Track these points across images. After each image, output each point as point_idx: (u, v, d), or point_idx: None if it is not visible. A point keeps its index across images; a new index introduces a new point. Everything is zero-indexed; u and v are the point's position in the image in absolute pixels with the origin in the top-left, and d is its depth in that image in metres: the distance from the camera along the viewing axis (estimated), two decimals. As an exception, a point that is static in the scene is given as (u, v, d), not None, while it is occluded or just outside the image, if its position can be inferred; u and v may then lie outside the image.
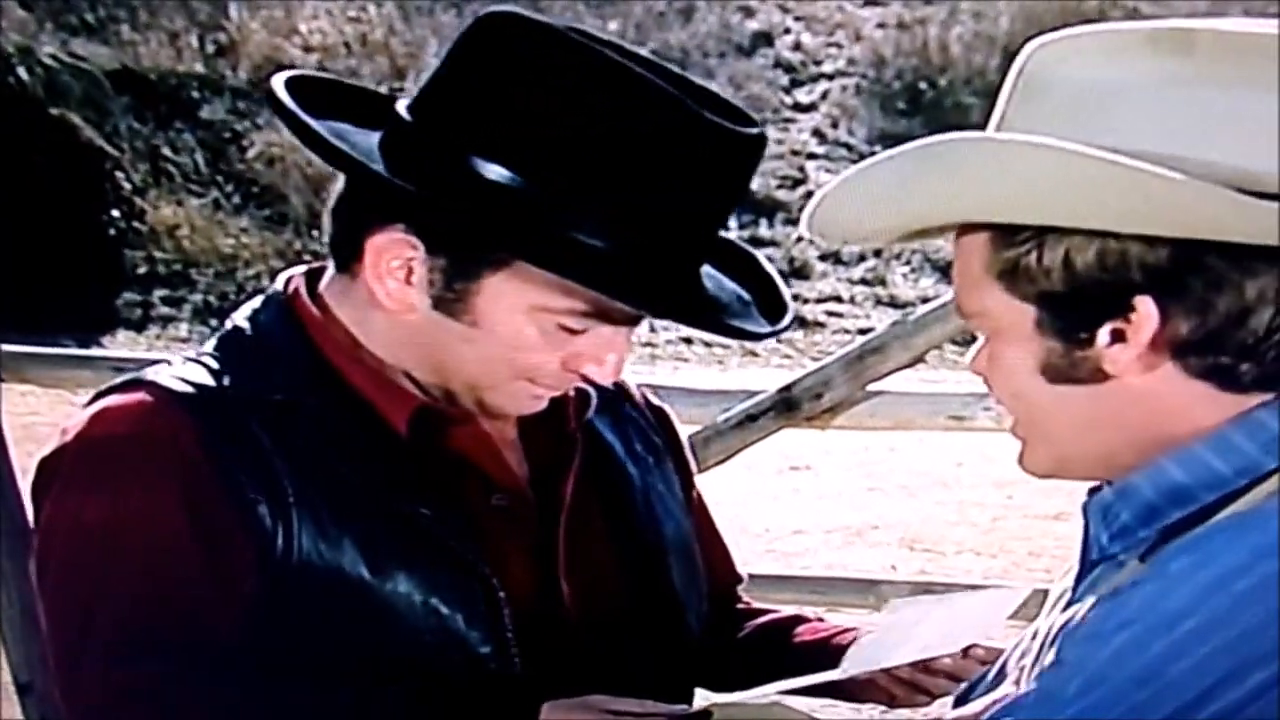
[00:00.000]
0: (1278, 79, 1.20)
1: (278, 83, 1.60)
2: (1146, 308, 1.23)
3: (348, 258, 1.60)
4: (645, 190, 1.50)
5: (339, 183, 1.61)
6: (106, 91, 16.39)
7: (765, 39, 20.73)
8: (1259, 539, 1.17)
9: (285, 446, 1.54)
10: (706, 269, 1.64)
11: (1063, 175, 1.21)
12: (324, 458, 1.56)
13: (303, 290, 1.66)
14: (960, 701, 1.50)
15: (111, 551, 1.51)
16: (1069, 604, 1.33)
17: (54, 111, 15.31)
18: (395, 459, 1.59)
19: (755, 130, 1.55)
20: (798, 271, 17.39)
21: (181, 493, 1.52)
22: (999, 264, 1.28)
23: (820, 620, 1.90)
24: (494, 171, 1.49)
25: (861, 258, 17.62)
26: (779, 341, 16.00)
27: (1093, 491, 1.36)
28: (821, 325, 16.40)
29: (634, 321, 1.58)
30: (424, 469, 1.60)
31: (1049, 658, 1.23)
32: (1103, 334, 1.25)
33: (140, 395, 1.57)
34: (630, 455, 1.78)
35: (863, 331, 11.85)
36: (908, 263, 17.51)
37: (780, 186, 18.57)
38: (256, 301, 1.68)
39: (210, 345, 1.65)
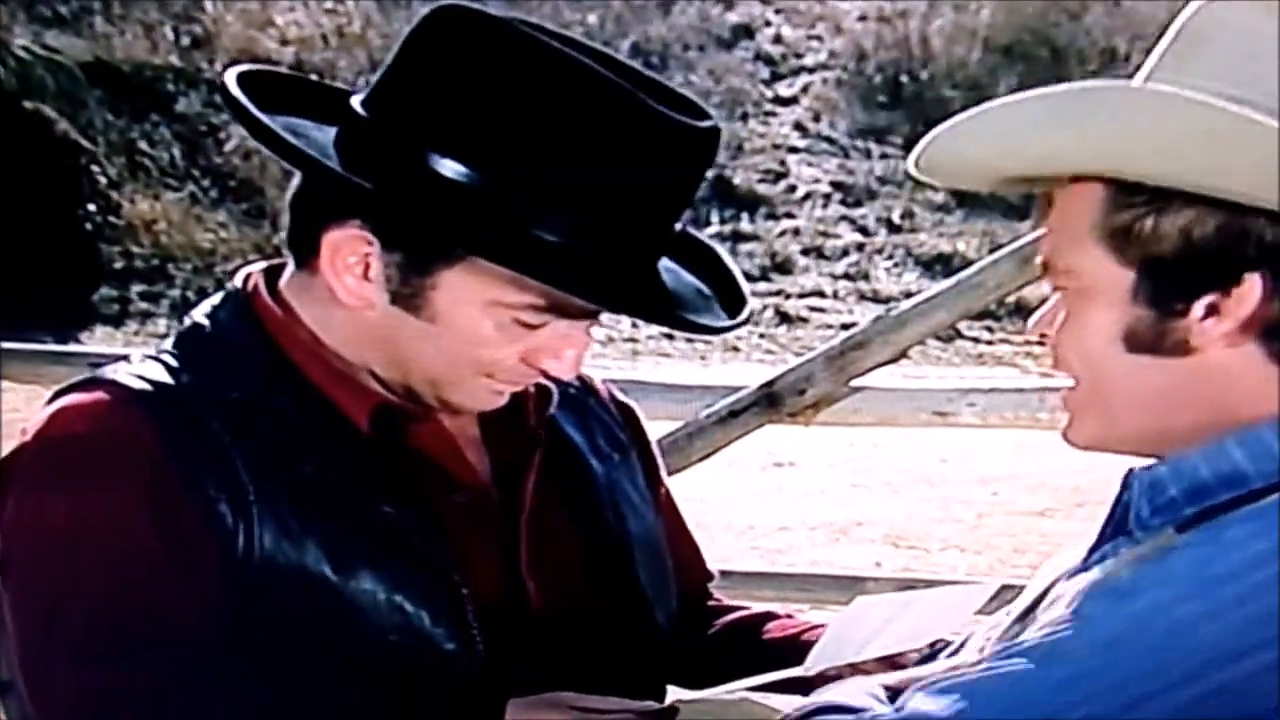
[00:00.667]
0: None
1: (230, 78, 1.59)
2: (1252, 284, 1.23)
3: (305, 254, 1.59)
4: (600, 185, 1.50)
5: (296, 178, 1.61)
6: (81, 84, 16.38)
7: (745, 32, 20.77)
8: None
9: (245, 444, 1.53)
10: (666, 263, 1.63)
11: (1209, 133, 1.19)
12: (285, 456, 1.55)
13: (262, 287, 1.65)
14: (924, 664, 1.52)
15: (74, 552, 1.50)
16: (1075, 574, 1.33)
17: (28, 105, 15.29)
18: (357, 456, 1.58)
19: (709, 124, 1.54)
20: (780, 266, 17.42)
21: (143, 492, 1.50)
22: (1110, 224, 1.27)
23: (790, 617, 1.90)
24: (449, 168, 1.49)
25: (844, 252, 17.65)
26: (761, 337, 16.03)
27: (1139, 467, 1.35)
28: (804, 320, 16.42)
29: (592, 316, 1.57)
30: (386, 466, 1.59)
31: (1059, 612, 1.22)
32: (1199, 306, 1.26)
33: (99, 394, 1.56)
34: (594, 451, 1.78)
35: (846, 327, 11.86)
36: (890, 257, 17.55)
37: (762, 181, 18.60)
38: (216, 298, 1.67)
39: (169, 343, 1.64)
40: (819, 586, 4.84)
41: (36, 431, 1.55)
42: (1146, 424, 1.30)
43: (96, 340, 13.90)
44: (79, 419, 1.54)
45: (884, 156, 18.84)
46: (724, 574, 4.37)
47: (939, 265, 16.80)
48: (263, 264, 1.68)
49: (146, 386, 1.55)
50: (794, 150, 19.20)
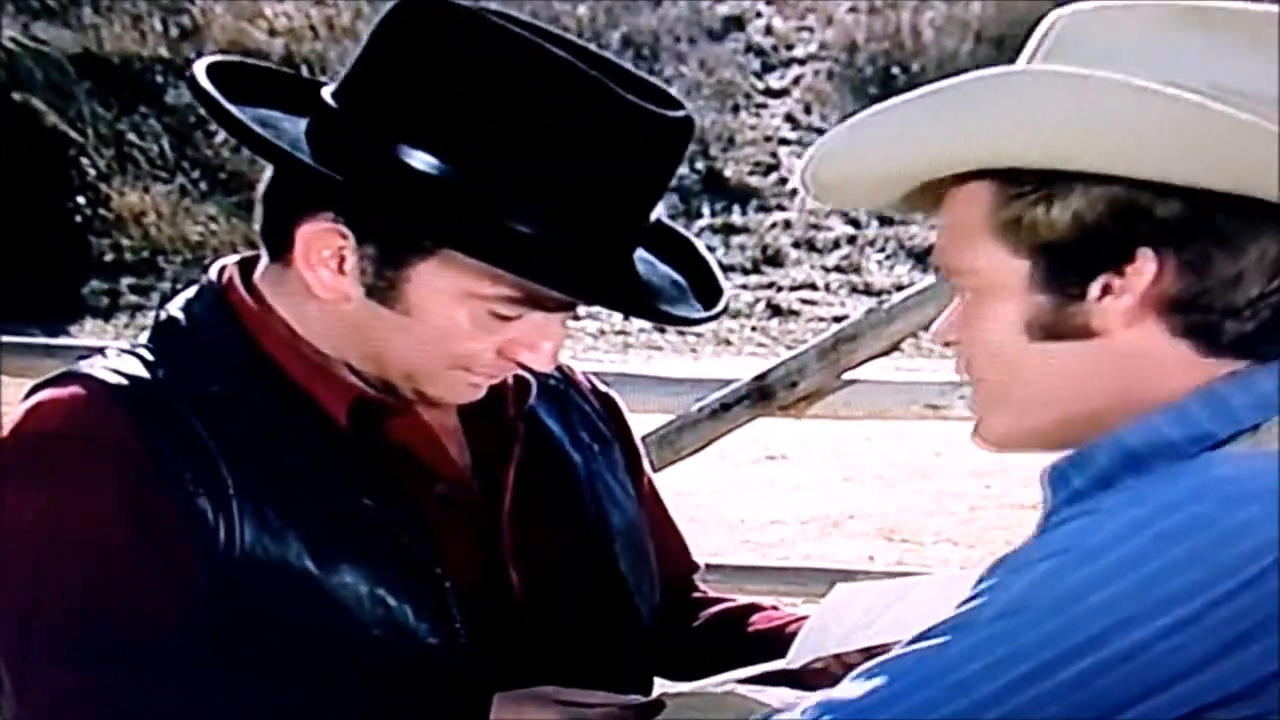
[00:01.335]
0: None
1: (199, 69, 1.59)
2: (1145, 260, 1.23)
3: (278, 247, 1.58)
4: (573, 177, 1.50)
5: (268, 171, 1.60)
6: (69, 76, 16.36)
7: (736, 23, 20.79)
8: (1192, 482, 1.18)
9: (224, 439, 1.52)
10: (642, 254, 1.63)
11: (1089, 109, 1.20)
12: (264, 450, 1.54)
13: (237, 280, 1.63)
14: None
15: (51, 549, 1.49)
16: None
17: (16, 97, 15.27)
18: (336, 450, 1.57)
19: (682, 114, 1.54)
20: (771, 259, 17.45)
21: (120, 488, 1.50)
22: (1001, 217, 1.27)
23: (775, 609, 1.90)
24: (421, 160, 1.49)
25: (836, 245, 17.67)
26: (753, 330, 16.04)
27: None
28: (796, 313, 16.45)
29: (568, 308, 1.57)
30: (365, 460, 1.59)
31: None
32: (1095, 287, 1.25)
33: (75, 389, 1.54)
34: (575, 443, 1.77)
35: (837, 319, 11.85)
36: (882, 249, 17.57)
37: (753, 173, 18.62)
38: (190, 292, 1.66)
39: (145, 337, 1.63)
40: (811, 580, 4.84)
41: (13, 428, 1.54)
42: (1057, 412, 1.30)
43: (86, 333, 13.91)
44: (55, 414, 1.53)
45: (875, 148, 18.86)
46: (716, 567, 4.35)
47: (931, 257, 16.82)
48: (236, 257, 1.68)
49: (123, 381, 1.54)
50: (785, 142, 19.21)
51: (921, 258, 17.18)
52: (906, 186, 1.34)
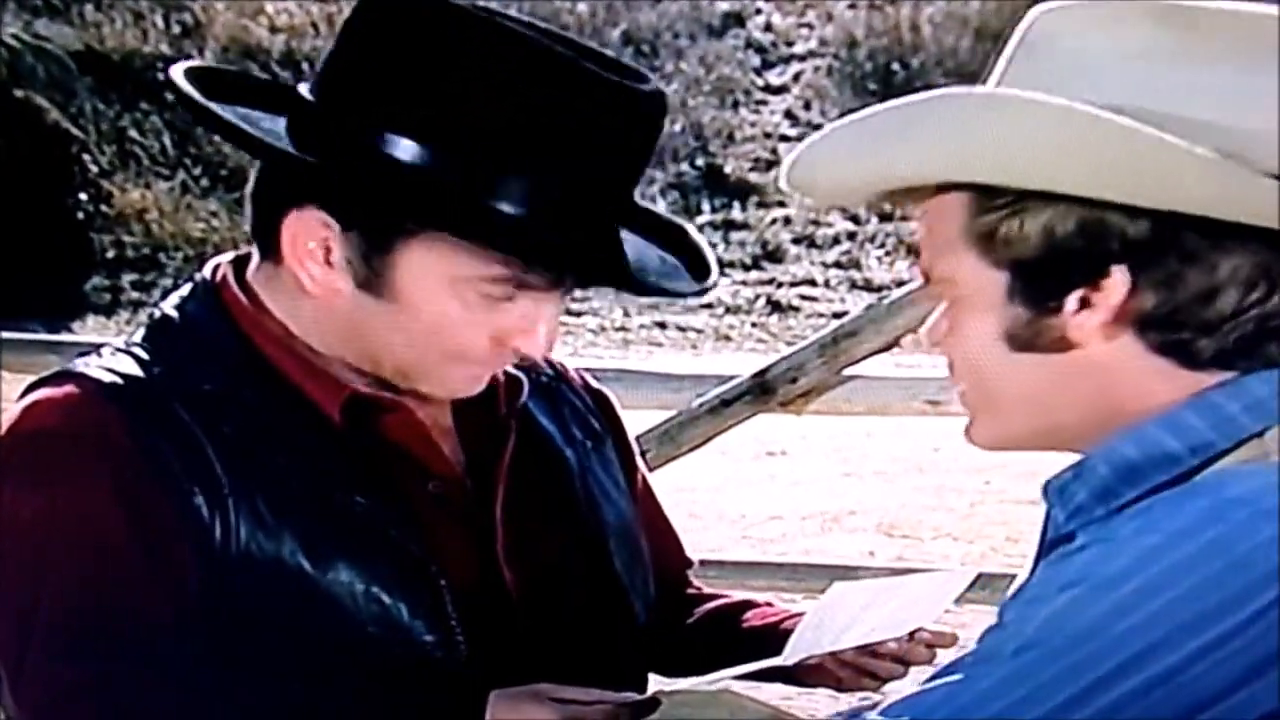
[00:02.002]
0: (1278, 60, 1.21)
1: (177, 71, 1.60)
2: (1119, 277, 1.23)
3: (268, 244, 1.59)
4: (551, 154, 1.50)
5: (253, 170, 1.62)
6: (71, 73, 16.33)
7: (736, 20, 20.75)
8: (1205, 504, 1.18)
9: (218, 437, 1.53)
10: (633, 238, 1.64)
11: (1056, 133, 1.21)
12: (258, 448, 1.55)
13: (230, 278, 1.64)
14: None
15: (47, 547, 1.50)
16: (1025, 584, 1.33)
17: (18, 94, 15.24)
18: (330, 448, 1.58)
19: (652, 87, 1.56)
20: (771, 255, 17.42)
21: (115, 486, 1.50)
22: (976, 229, 1.28)
23: (770, 605, 1.90)
24: (400, 146, 1.50)
25: (835, 241, 17.65)
26: (753, 326, 16.03)
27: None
28: (795, 309, 16.43)
29: (556, 288, 1.57)
30: (359, 457, 1.59)
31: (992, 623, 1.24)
32: (1071, 301, 1.26)
33: (69, 388, 1.55)
34: (567, 440, 1.77)
35: (837, 315, 11.87)
36: (882, 245, 17.55)
37: (753, 169, 18.59)
38: (184, 290, 1.67)
39: (139, 335, 1.63)
40: (811, 576, 4.83)
41: (9, 427, 1.55)
42: (1037, 422, 1.31)
43: (88, 330, 13.88)
44: (50, 413, 1.54)
45: (875, 145, 18.84)
46: (716, 563, 4.37)
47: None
48: (230, 255, 1.68)
49: (117, 380, 1.55)
50: (785, 138, 19.16)
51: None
52: (882, 192, 1.34)
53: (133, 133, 16.57)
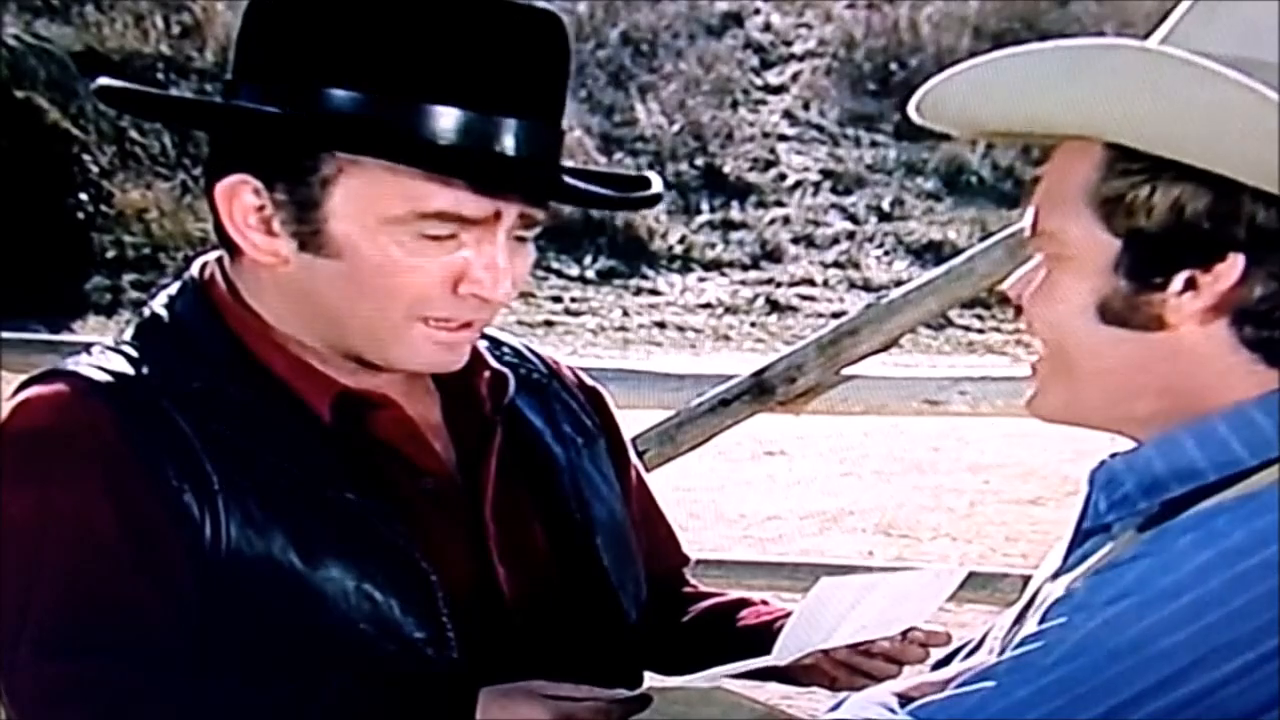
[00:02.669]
0: None
1: (103, 80, 1.63)
2: (1234, 263, 1.21)
3: (222, 235, 1.60)
4: (459, 77, 1.50)
5: None
6: (72, 73, 16.31)
7: (735, 20, 20.76)
8: (1264, 522, 1.17)
9: (208, 435, 1.53)
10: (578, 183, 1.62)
11: (1217, 107, 1.17)
12: (248, 446, 1.55)
13: (218, 275, 1.65)
14: (939, 668, 1.51)
15: (37, 545, 1.50)
16: (1058, 574, 1.32)
17: (19, 94, 15.23)
18: (319, 445, 1.58)
19: (547, 8, 1.55)
20: (770, 254, 17.42)
21: (105, 485, 1.50)
22: (1103, 191, 1.25)
23: (765, 603, 1.90)
24: (320, 93, 1.51)
25: (834, 241, 17.65)
26: (752, 325, 16.03)
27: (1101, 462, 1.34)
28: (794, 309, 16.43)
29: (496, 222, 1.54)
30: (349, 455, 1.59)
31: (1031, 626, 1.22)
32: (1177, 280, 1.24)
33: (59, 386, 1.55)
34: (557, 437, 1.77)
35: (836, 315, 11.86)
36: (881, 245, 17.55)
37: (751, 169, 18.59)
38: (173, 288, 1.67)
39: (129, 333, 1.64)
40: (810, 575, 4.75)
41: (1, 425, 1.56)
42: (1109, 398, 1.29)
43: (89, 329, 13.87)
44: (40, 412, 1.54)
45: (873, 144, 18.85)
46: (714, 563, 4.36)
47: (929, 253, 16.80)
48: (218, 253, 1.68)
49: (108, 378, 1.55)
50: (784, 138, 19.19)
51: (920, 254, 17.17)
52: (1018, 131, 1.31)
53: (133, 133, 16.55)
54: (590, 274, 16.80)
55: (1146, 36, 1.30)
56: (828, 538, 8.12)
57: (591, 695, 1.52)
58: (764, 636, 1.72)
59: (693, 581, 1.98)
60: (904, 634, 1.70)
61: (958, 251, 6.72)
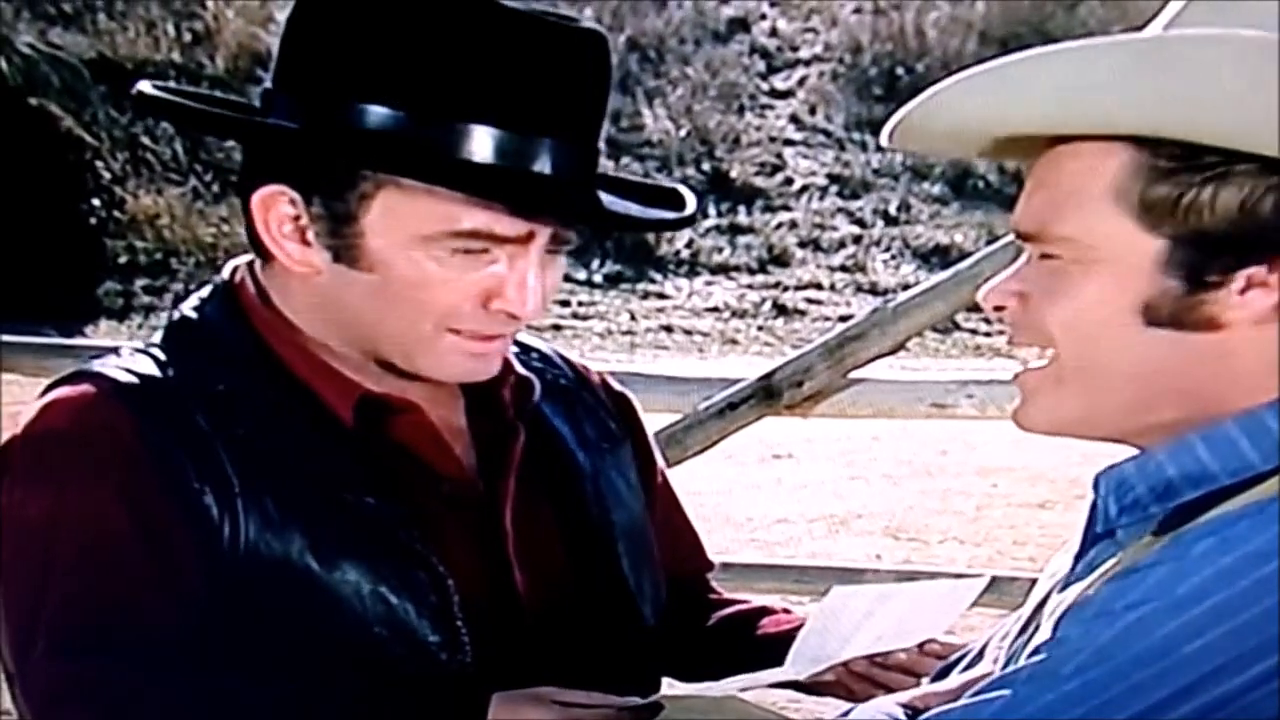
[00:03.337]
0: None
1: (145, 85, 1.63)
2: None
3: (255, 242, 1.61)
4: (502, 96, 1.50)
5: None
6: (84, 81, 16.35)
7: (741, 25, 20.76)
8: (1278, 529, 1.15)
9: (229, 437, 1.54)
10: (612, 198, 1.62)
11: (1270, 92, 1.11)
12: (269, 448, 1.56)
13: (247, 279, 1.66)
14: (939, 679, 1.49)
15: (52, 546, 1.51)
16: (1067, 583, 1.30)
17: (32, 101, 15.27)
18: (339, 448, 1.59)
19: (591, 27, 1.55)
20: (777, 259, 17.42)
21: (120, 487, 1.51)
22: (1146, 194, 1.19)
23: (787, 612, 1.89)
24: (355, 110, 1.51)
25: (841, 245, 17.65)
26: (759, 329, 16.03)
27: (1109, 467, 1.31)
28: (801, 313, 16.42)
29: (530, 241, 1.55)
30: (370, 458, 1.60)
31: (1046, 635, 1.21)
32: (1239, 279, 1.18)
33: (84, 387, 1.57)
34: (580, 442, 1.77)
35: (843, 319, 11.86)
36: (887, 249, 17.54)
37: (758, 174, 18.60)
38: (204, 291, 1.69)
39: (158, 336, 1.66)
40: (817, 579, 4.80)
41: (25, 425, 1.58)
42: (1131, 406, 1.24)
43: (101, 334, 13.89)
44: (62, 414, 1.56)
45: (880, 149, 18.83)
46: (722, 566, 4.36)
47: (936, 257, 16.80)
48: (248, 257, 1.69)
49: (132, 380, 1.56)
50: (790, 143, 19.19)
51: (926, 257, 17.16)
52: (989, 141, 1.25)
53: (145, 139, 16.58)
54: (597, 278, 16.81)
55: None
56: (835, 541, 8.12)
57: (602, 702, 1.51)
58: (783, 646, 1.71)
59: (717, 588, 1.98)
60: (921, 646, 1.68)
61: (964, 255, 6.73)
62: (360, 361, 1.61)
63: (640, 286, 16.88)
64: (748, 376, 4.31)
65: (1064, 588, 1.29)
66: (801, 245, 17.65)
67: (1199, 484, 1.22)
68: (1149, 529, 1.24)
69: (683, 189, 1.71)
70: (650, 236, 17.23)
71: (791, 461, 9.88)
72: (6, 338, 4.55)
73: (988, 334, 15.13)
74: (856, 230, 17.86)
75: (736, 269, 17.24)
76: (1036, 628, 1.29)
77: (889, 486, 9.43)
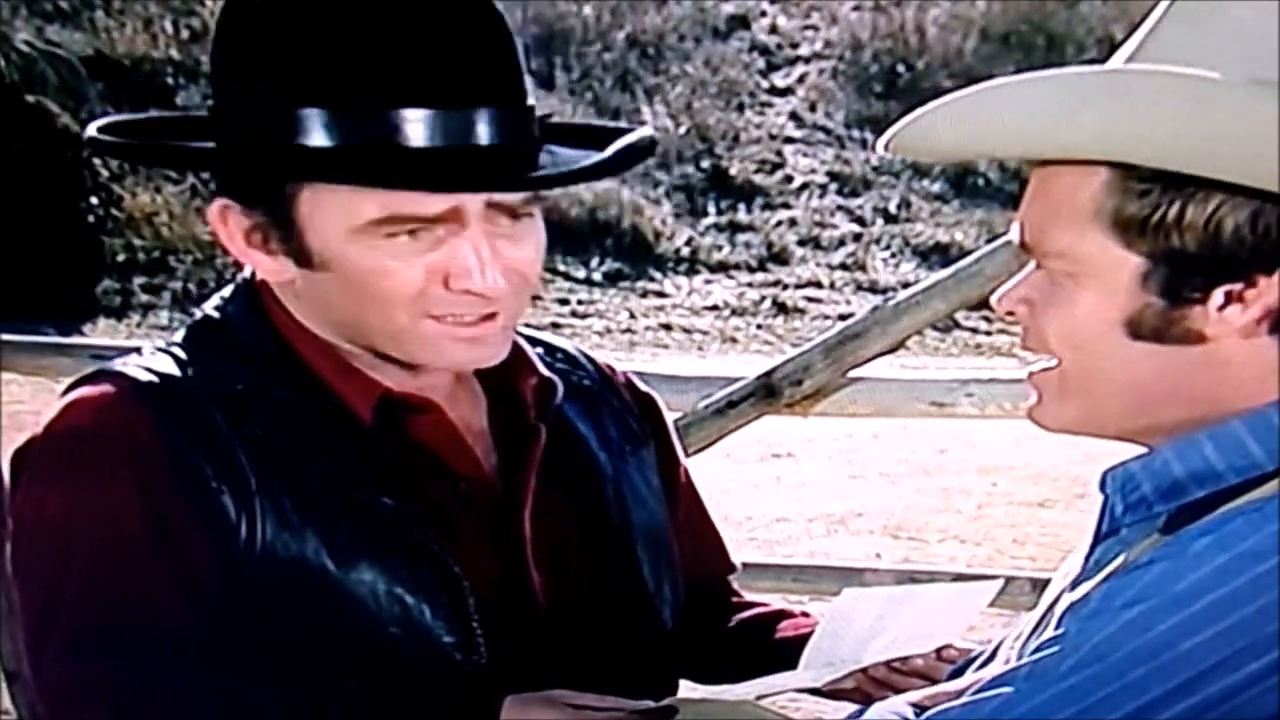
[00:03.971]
0: None
1: (92, 129, 1.63)
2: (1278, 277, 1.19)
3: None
4: (416, 80, 1.49)
5: None
6: (82, 78, 16.36)
7: (741, 22, 20.77)
8: (1276, 528, 1.15)
9: (247, 436, 1.54)
10: (562, 150, 1.59)
11: (1241, 120, 1.14)
12: (287, 447, 1.56)
13: None
14: (953, 679, 1.49)
15: (69, 545, 1.52)
16: (1076, 582, 1.30)
17: (29, 98, 15.27)
18: (358, 448, 1.58)
19: None
20: (776, 257, 17.44)
21: (137, 486, 1.51)
22: (1120, 213, 1.21)
23: (806, 615, 1.87)
24: (299, 115, 1.50)
25: (841, 243, 17.66)
26: (759, 328, 16.04)
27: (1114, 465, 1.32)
28: (801, 311, 16.44)
29: (457, 219, 1.52)
30: (388, 458, 1.59)
31: (1048, 633, 1.21)
32: (1218, 295, 1.20)
33: (105, 387, 1.57)
34: (602, 443, 1.75)
35: (843, 317, 11.86)
36: (888, 248, 17.56)
37: (758, 171, 18.61)
38: (227, 291, 1.68)
39: (180, 335, 1.66)
40: (817, 578, 4.81)
41: (46, 424, 1.58)
42: (1133, 409, 1.26)
43: (99, 332, 13.90)
44: (81, 413, 1.56)
45: (881, 147, 18.83)
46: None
47: (936, 255, 16.81)
48: None
49: (152, 379, 1.57)
50: (790, 140, 19.20)
51: (926, 256, 17.18)
52: (1021, 156, 1.28)
53: (142, 137, 16.60)
54: (597, 276, 16.82)
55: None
56: (835, 540, 8.12)
57: (615, 705, 1.51)
58: (800, 650, 1.71)
59: (739, 590, 1.97)
60: (938, 651, 1.67)
61: (965, 253, 6.72)
62: (374, 360, 1.60)
63: (639, 284, 16.89)
64: (747, 375, 4.31)
65: (1074, 586, 1.29)
66: (801, 243, 17.66)
67: (1205, 483, 1.23)
68: (1155, 527, 1.25)
69: (640, 130, 1.67)
70: (650, 235, 17.26)
71: (791, 460, 9.89)
72: (4, 336, 4.54)
73: (988, 332, 15.14)
74: (856, 228, 17.88)
75: (736, 267, 17.26)
76: (1047, 627, 1.29)
77: (888, 485, 9.43)
